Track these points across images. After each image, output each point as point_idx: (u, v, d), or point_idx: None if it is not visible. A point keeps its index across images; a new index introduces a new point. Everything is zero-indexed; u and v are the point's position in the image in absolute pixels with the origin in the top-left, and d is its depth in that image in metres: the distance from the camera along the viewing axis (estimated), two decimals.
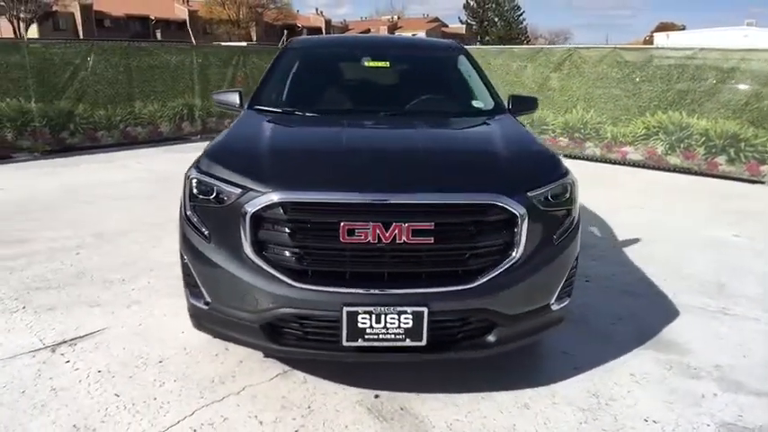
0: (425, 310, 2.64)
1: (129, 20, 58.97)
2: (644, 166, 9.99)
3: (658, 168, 9.87)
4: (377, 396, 3.15)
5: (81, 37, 45.51)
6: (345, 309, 2.64)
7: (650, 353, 3.64)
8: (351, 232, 2.60)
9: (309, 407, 3.05)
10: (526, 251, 2.77)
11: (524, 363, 3.46)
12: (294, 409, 3.03)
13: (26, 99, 10.27)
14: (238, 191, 2.76)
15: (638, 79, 9.87)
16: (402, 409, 3.04)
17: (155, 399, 3.10)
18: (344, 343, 2.70)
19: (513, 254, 2.74)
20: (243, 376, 3.32)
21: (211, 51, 13.46)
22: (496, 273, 2.73)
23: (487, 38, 64.09)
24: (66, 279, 4.74)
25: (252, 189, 2.73)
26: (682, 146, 9.60)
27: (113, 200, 7.45)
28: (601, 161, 10.46)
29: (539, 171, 3.03)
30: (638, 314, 4.19)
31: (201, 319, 3.05)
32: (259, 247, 2.74)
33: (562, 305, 3.01)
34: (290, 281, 2.69)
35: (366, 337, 2.68)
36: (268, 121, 3.63)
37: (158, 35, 54.51)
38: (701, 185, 8.92)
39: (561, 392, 3.20)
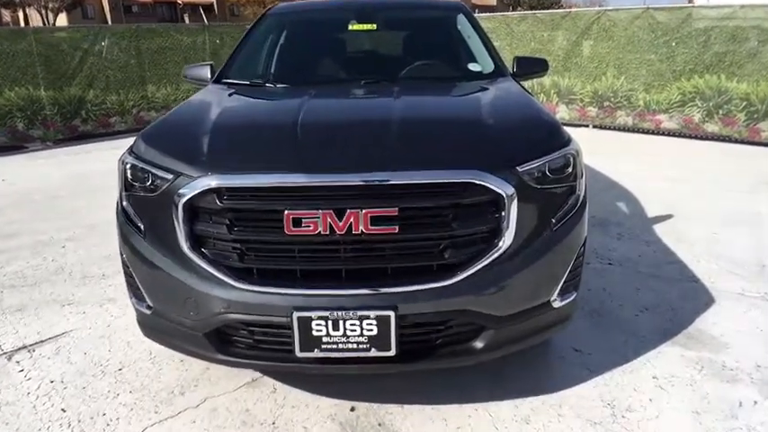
0: (392, 314, 2.20)
1: (157, 4, 59.03)
2: (679, 135, 9.28)
3: (695, 137, 9.15)
4: (353, 409, 2.74)
5: (109, 24, 45.65)
6: (296, 314, 2.22)
7: (678, 350, 3.14)
8: (297, 222, 2.16)
9: (274, 423, 2.66)
10: (517, 239, 2.29)
11: (528, 364, 2.99)
12: (256, 425, 2.64)
13: (35, 87, 10.04)
14: (170, 176, 2.35)
15: (672, 42, 9.14)
16: (380, 425, 2.63)
17: (103, 414, 2.75)
18: (298, 354, 2.28)
19: (500, 243, 2.27)
20: (206, 385, 2.94)
21: (225, 31, 13.05)
22: (480, 266, 2.27)
23: (519, 8, 62.44)
24: (45, 275, 4.44)
25: (183, 174, 2.32)
26: (720, 112, 8.88)
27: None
28: (633, 131, 9.77)
29: (532, 141, 2.52)
30: (667, 302, 3.67)
31: (147, 327, 2.68)
32: (196, 242, 2.33)
33: (566, 301, 2.52)
34: (232, 281, 2.28)
35: (323, 346, 2.26)
36: (228, 96, 3.20)
37: (186, 19, 54.43)
38: (742, 154, 8.20)
39: (570, 401, 2.73)
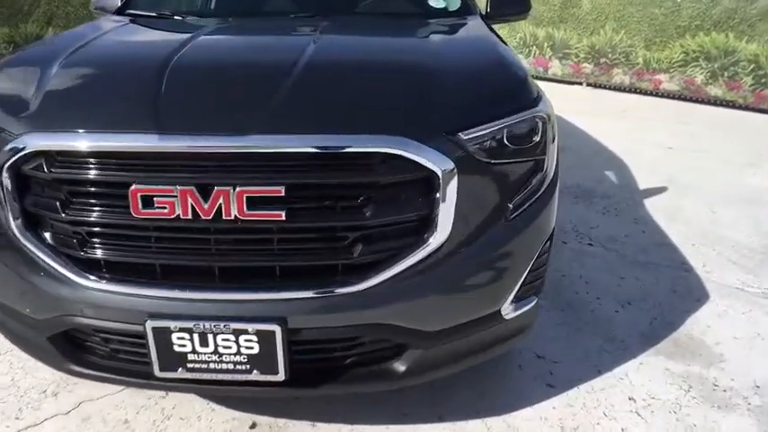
0: (277, 329, 1.61)
1: None
2: (679, 98, 8.59)
3: (696, 101, 8.46)
4: (253, 426, 2.18)
5: None
6: (150, 323, 1.63)
7: (662, 361, 2.59)
8: (147, 201, 1.55)
9: None
10: (456, 232, 1.70)
11: (476, 373, 2.42)
12: None
13: None
14: None
15: None
16: None
17: None
18: (157, 373, 1.70)
19: (432, 237, 1.67)
20: (85, 386, 2.37)
21: None
22: (402, 267, 1.67)
23: None
24: None
25: (5, 130, 1.69)
26: (726, 74, 8.18)
27: None
28: (630, 91, 9.05)
29: (485, 97, 1.87)
30: (653, 296, 3.11)
31: None
32: (29, 222, 1.71)
33: (523, 309, 1.94)
34: (72, 275, 1.69)
35: (189, 366, 1.69)
36: (108, 30, 2.48)
37: None
38: (746, 122, 7.55)
39: (520, 426, 2.18)
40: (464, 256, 1.73)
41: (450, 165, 1.61)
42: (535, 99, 1.90)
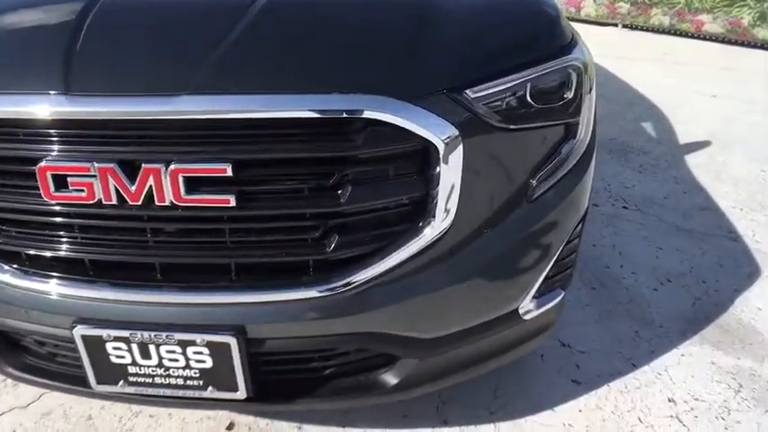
0: (233, 340, 1.28)
1: None
2: (723, 41, 7.91)
3: (742, 44, 7.78)
4: (230, 427, 1.90)
5: None
6: (79, 329, 1.31)
7: (708, 352, 2.23)
8: (60, 182, 1.21)
9: None
10: (461, 218, 1.33)
11: None
12: None
13: None
14: None
15: None
16: None
17: None
18: (95, 387, 1.39)
19: (428, 226, 1.31)
20: (18, 392, 2.08)
21: None
22: (391, 264, 1.32)
23: None
24: None
25: None
26: None
27: None
28: (669, 33, 8.37)
29: (500, 43, 1.44)
30: (696, 271, 2.73)
31: None
32: None
33: (546, 306, 1.58)
34: None
35: (131, 380, 1.37)
36: None
37: None
38: None
39: None
40: (472, 249, 1.37)
41: (453, 132, 1.23)
42: (569, 43, 1.48)
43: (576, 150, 1.50)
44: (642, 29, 8.54)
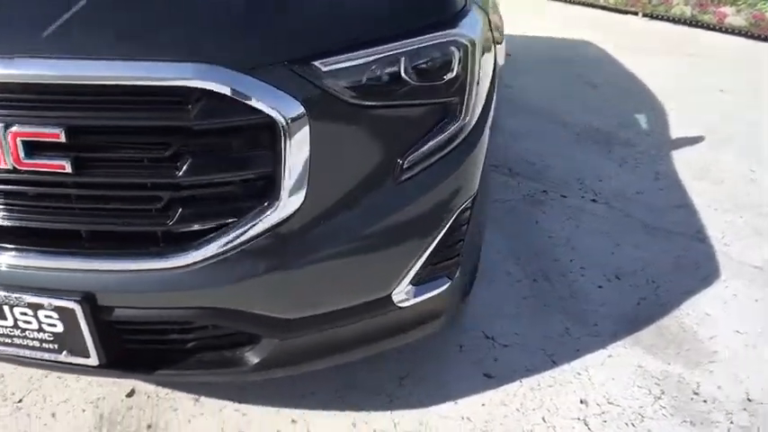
0: (77, 306, 1.24)
1: None
2: (745, 35, 7.58)
3: (764, 39, 7.47)
4: (130, 394, 1.92)
5: None
6: None
7: (638, 355, 2.15)
8: None
9: (21, 400, 1.81)
10: (314, 196, 1.26)
11: (402, 351, 2.03)
12: None
13: None
14: None
15: None
16: (149, 427, 1.77)
17: None
18: None
19: (276, 203, 1.25)
20: None
21: None
22: (238, 239, 1.26)
23: None
24: None
25: None
26: None
27: None
28: (691, 24, 8.05)
29: (362, 11, 1.31)
30: (650, 270, 2.63)
31: None
32: None
33: (427, 295, 1.50)
34: None
35: None
36: None
37: None
38: None
39: (434, 424, 1.80)
40: (329, 229, 1.30)
41: (295, 106, 1.16)
42: (455, 15, 1.37)
43: (460, 132, 1.40)
44: (663, 18, 8.25)
